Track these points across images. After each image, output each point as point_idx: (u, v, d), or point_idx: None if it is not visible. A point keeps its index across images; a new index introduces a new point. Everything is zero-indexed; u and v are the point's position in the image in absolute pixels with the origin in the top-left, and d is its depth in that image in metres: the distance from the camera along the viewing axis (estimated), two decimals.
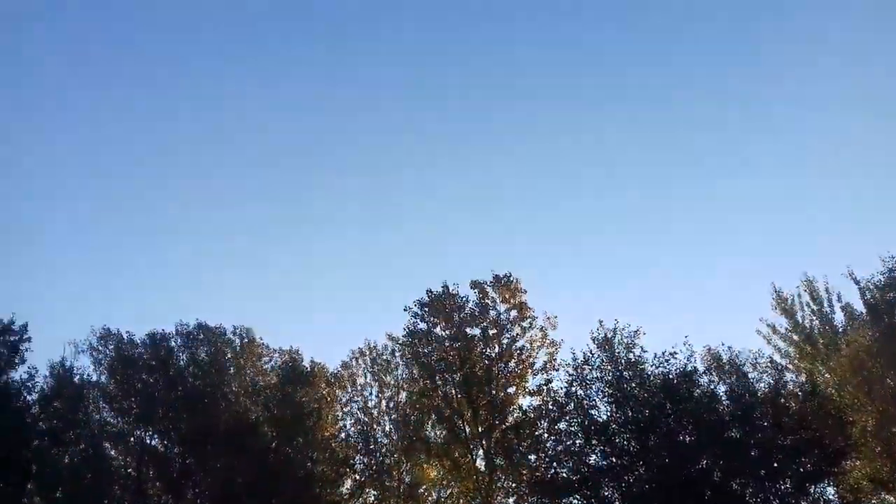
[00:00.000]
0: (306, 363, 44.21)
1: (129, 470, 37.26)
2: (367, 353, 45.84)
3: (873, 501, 33.82)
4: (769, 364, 39.88)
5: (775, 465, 33.14)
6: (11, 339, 35.87)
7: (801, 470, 33.16)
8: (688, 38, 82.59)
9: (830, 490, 33.82)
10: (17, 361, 35.61)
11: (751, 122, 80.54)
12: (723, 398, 37.23)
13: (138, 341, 41.90)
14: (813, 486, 33.32)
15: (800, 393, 37.63)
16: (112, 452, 37.96)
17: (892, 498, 33.62)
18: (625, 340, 38.49)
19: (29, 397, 35.64)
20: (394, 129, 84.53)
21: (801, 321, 43.88)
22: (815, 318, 43.69)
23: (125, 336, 41.79)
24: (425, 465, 41.44)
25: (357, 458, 42.06)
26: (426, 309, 43.88)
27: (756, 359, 39.66)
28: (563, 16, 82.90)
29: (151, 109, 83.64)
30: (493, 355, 43.08)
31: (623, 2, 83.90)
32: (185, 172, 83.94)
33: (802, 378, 39.66)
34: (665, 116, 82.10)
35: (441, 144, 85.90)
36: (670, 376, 36.94)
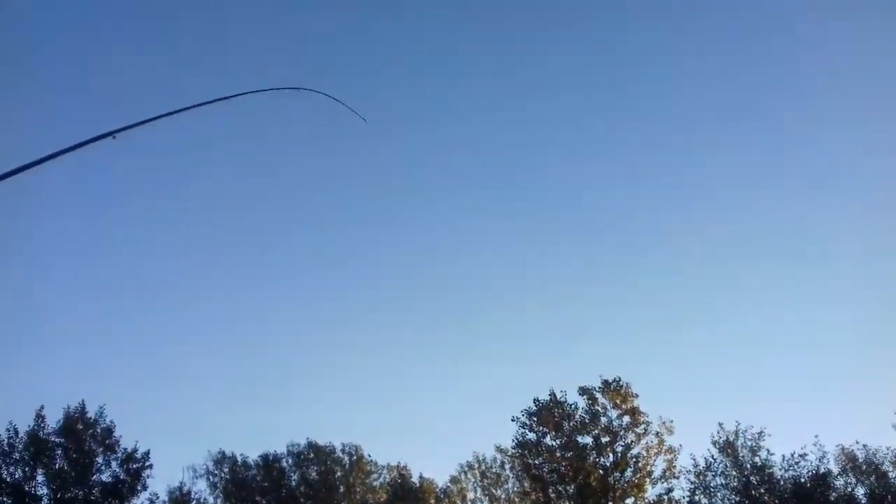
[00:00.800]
0: (415, 478, 43.83)
1: None
2: (476, 466, 45.08)
3: None
4: None
5: None
6: (134, 466, 37.00)
7: None
8: None
9: None
10: (139, 489, 36.59)
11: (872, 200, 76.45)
12: (862, 501, 34.59)
13: (251, 463, 42.66)
14: None
15: None
16: None
17: None
18: (749, 443, 36.74)
19: None
20: (481, 242, 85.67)
21: None
22: None
23: (239, 458, 42.63)
24: None
25: None
26: (534, 418, 42.97)
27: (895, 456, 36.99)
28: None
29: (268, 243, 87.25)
30: (608, 464, 41.47)
31: None
32: (288, 295, 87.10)
33: None
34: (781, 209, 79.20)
35: (534, 253, 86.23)
36: (802, 480, 34.75)
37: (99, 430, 37.32)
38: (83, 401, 37.57)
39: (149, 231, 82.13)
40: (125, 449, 37.00)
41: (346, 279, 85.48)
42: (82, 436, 36.65)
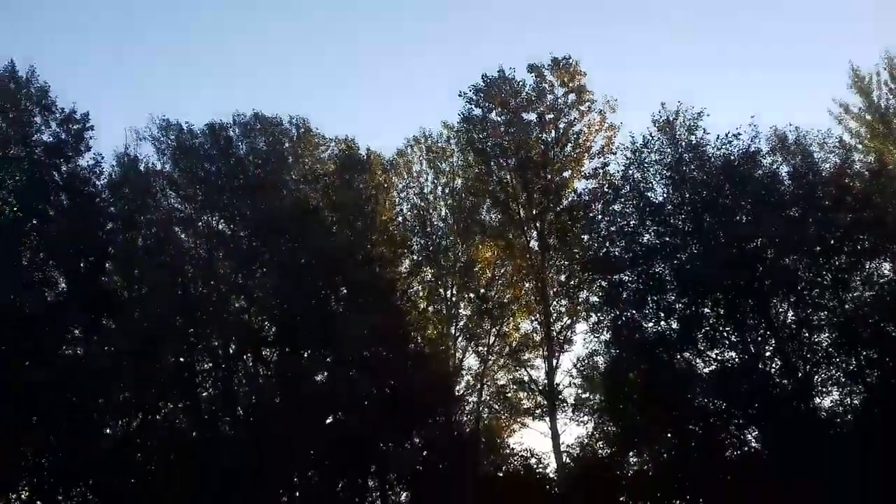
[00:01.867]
0: (362, 152, 44.45)
1: (201, 251, 39.06)
2: (423, 140, 45.74)
3: None
4: (837, 144, 38.42)
5: (832, 241, 32.74)
6: (75, 127, 36.43)
7: (859, 247, 32.75)
8: None
9: (886, 266, 33.55)
10: (82, 149, 36.34)
11: None
12: (785, 178, 36.17)
13: (197, 131, 42.29)
14: (868, 262, 33.03)
15: (866, 172, 36.38)
16: (182, 236, 39.62)
17: None
18: (687, 122, 37.16)
19: (98, 182, 36.71)
20: None
21: (876, 100, 41.98)
22: (891, 96, 41.68)
23: (184, 126, 42.16)
24: (480, 246, 42.46)
25: (414, 240, 43.22)
26: (481, 94, 43.08)
27: (824, 138, 38.19)
28: None
29: None
30: (550, 140, 42.60)
31: None
32: None
33: (871, 158, 38.31)
34: None
35: None
36: (732, 158, 35.88)
37: (33, 91, 36.18)
38: (12, 60, 35.95)
39: None
40: (63, 109, 36.22)
41: None
42: (16, 95, 35.58)
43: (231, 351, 34.51)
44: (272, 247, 37.72)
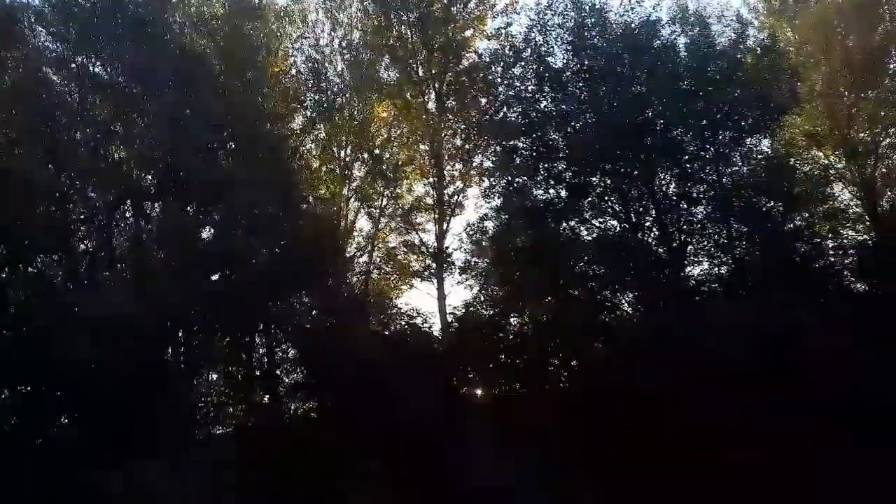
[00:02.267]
0: None
1: (75, 96, 36.29)
2: None
3: (804, 155, 35.16)
4: (734, 18, 38.69)
5: (719, 116, 33.54)
6: None
7: (743, 123, 33.73)
8: None
9: (766, 142, 34.85)
10: None
11: None
12: (682, 50, 36.38)
13: None
14: (749, 138, 34.15)
15: (758, 49, 36.98)
16: (55, 78, 36.55)
17: (821, 154, 34.98)
18: None
19: None
20: None
21: None
22: None
23: None
24: (376, 105, 41.31)
25: (308, 95, 41.45)
26: None
27: (723, 11, 38.36)
28: None
29: None
30: None
31: None
32: None
33: (764, 35, 38.84)
34: None
35: None
36: (633, 26, 35.66)
37: None
38: None
39: None
40: None
41: None
42: None
43: (109, 202, 32.90)
44: (155, 95, 35.38)
